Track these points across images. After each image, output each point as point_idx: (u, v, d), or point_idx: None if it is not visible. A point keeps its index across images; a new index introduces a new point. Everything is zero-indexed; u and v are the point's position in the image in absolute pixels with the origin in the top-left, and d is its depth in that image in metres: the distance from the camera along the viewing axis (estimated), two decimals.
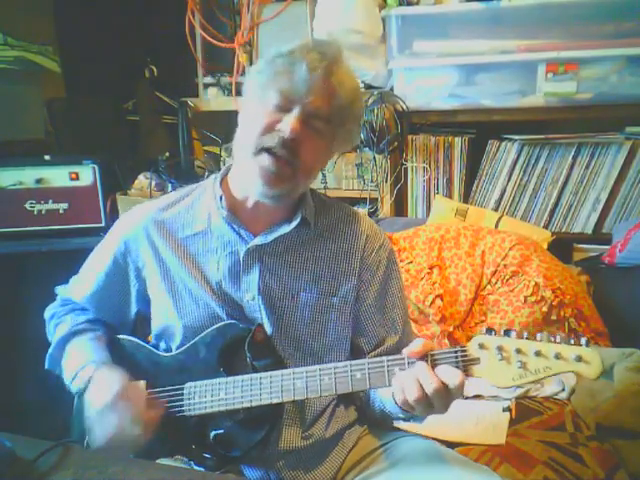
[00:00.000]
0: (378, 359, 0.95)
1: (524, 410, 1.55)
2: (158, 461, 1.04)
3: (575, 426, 1.48)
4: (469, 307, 1.91)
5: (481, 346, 0.90)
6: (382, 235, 1.18)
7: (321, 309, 1.09)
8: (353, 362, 0.96)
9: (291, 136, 0.97)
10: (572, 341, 0.87)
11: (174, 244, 1.11)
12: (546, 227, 2.18)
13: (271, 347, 1.06)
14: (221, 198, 1.08)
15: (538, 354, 0.87)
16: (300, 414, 1.08)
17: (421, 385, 0.89)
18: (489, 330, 0.91)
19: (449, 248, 1.99)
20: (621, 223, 2.09)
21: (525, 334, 0.89)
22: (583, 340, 0.87)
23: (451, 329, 1.86)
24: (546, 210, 2.19)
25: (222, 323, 1.06)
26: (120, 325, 1.21)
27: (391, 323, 1.15)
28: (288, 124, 0.97)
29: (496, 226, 2.14)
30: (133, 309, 1.18)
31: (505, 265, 1.89)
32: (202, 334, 1.07)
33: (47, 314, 1.27)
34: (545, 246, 2.05)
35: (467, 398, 1.63)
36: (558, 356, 0.86)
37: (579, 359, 0.85)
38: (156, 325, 1.15)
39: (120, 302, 1.18)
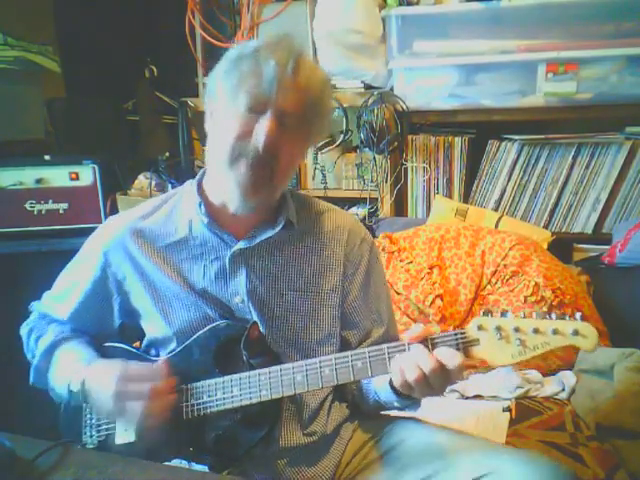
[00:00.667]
0: (378, 347, 0.96)
1: (524, 410, 1.55)
2: None
3: (575, 426, 1.48)
4: (469, 307, 1.91)
5: (480, 327, 0.92)
6: (363, 229, 1.19)
7: (310, 306, 1.10)
8: (353, 352, 0.97)
9: (268, 140, 0.95)
10: (567, 317, 0.89)
11: (154, 253, 1.09)
12: (546, 227, 2.18)
13: (266, 344, 1.06)
14: (200, 205, 1.07)
15: (536, 331, 0.88)
16: (298, 411, 1.09)
17: (419, 366, 0.90)
18: (487, 312, 0.92)
19: (449, 248, 1.99)
20: (621, 223, 2.09)
21: (522, 314, 0.91)
22: (578, 315, 0.89)
23: (451, 329, 1.85)
24: (546, 210, 2.19)
25: (215, 323, 1.05)
26: (104, 337, 1.17)
27: (377, 315, 1.17)
28: (263, 128, 0.95)
29: (496, 226, 2.14)
30: (116, 322, 1.16)
31: (505, 265, 1.89)
32: (195, 336, 1.06)
33: (23, 331, 1.22)
34: (545, 246, 2.05)
35: (467, 398, 1.63)
36: (556, 331, 0.88)
37: (576, 333, 0.88)
38: (148, 336, 1.14)
39: (102, 316, 1.15)
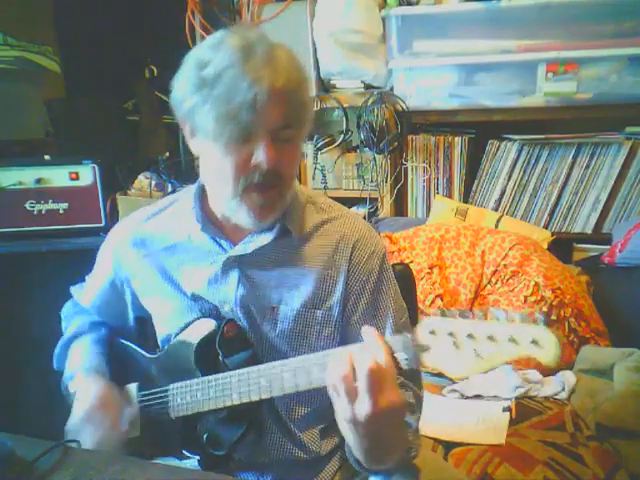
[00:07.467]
0: (341, 349, 0.87)
1: (524, 410, 1.55)
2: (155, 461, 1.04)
3: (575, 426, 1.48)
4: (469, 307, 1.91)
5: (432, 332, 0.79)
6: (374, 240, 1.08)
7: (303, 322, 1.03)
8: (311, 356, 0.89)
9: (271, 164, 0.91)
10: (529, 320, 0.75)
11: (152, 257, 1.09)
12: (546, 227, 2.18)
13: (244, 342, 1.02)
14: (194, 209, 1.05)
15: (491, 339, 0.76)
16: (287, 423, 1.05)
17: (352, 359, 0.80)
18: (443, 312, 0.81)
19: (449, 248, 1.99)
20: (621, 223, 2.09)
21: (480, 314, 0.78)
22: (538, 315, 0.75)
23: None
24: (546, 210, 2.19)
25: (193, 320, 1.05)
26: (123, 330, 1.21)
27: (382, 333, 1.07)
28: (264, 155, 0.91)
29: (496, 226, 2.14)
30: (131, 316, 1.19)
31: (505, 265, 1.89)
32: (178, 334, 1.06)
33: (62, 313, 1.29)
34: (545, 246, 2.05)
35: (467, 398, 1.63)
36: (512, 340, 0.74)
37: (534, 343, 0.73)
38: (158, 334, 1.15)
39: (119, 310, 1.19)
